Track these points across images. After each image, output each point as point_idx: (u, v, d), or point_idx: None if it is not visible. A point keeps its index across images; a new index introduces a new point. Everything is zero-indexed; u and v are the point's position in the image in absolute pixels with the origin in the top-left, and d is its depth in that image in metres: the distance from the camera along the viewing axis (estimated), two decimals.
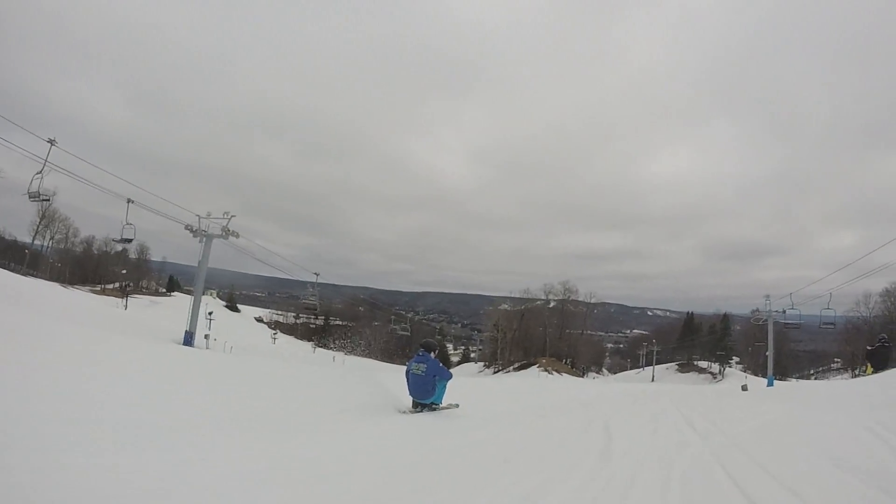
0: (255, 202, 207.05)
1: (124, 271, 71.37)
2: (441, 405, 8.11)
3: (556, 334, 77.77)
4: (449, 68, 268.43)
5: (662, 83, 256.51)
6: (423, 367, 7.92)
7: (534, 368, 62.15)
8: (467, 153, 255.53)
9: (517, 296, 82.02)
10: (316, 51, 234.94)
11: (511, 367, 64.33)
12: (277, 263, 33.45)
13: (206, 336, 28.01)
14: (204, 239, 27.02)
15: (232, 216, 26.98)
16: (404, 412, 7.89)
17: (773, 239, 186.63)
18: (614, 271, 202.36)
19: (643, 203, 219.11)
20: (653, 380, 67.63)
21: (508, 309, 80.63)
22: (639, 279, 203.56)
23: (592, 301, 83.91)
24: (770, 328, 30.95)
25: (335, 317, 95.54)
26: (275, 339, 67.91)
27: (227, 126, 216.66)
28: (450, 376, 8.33)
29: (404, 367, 8.76)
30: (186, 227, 25.90)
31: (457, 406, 8.36)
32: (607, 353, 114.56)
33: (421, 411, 7.91)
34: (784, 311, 29.98)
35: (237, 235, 26.99)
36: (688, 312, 79.90)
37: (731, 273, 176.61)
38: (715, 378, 65.81)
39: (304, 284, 34.44)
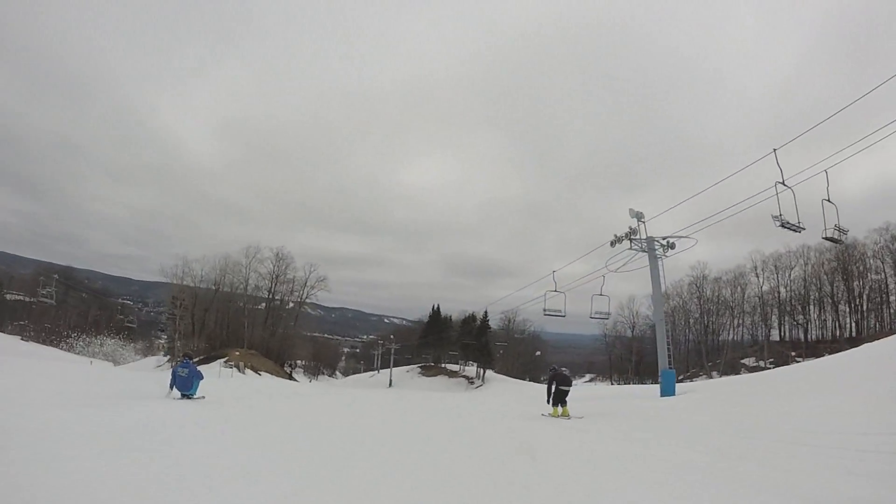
0: None
1: None
2: (194, 395, 12.52)
3: (266, 326, 58.21)
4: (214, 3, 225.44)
5: (436, 89, 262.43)
6: (186, 370, 12.44)
7: (218, 363, 40.70)
8: (216, 122, 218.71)
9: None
10: None
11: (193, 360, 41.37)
12: None
13: None
14: None
15: None
16: (175, 398, 12.03)
17: (510, 259, 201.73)
18: (353, 277, 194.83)
19: (389, 212, 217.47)
20: (390, 385, 53.65)
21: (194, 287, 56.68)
22: (378, 287, 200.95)
23: (329, 305, 67.41)
24: (661, 268, 18.30)
25: (15, 290, 77.25)
26: None
27: None
28: (202, 377, 12.99)
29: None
30: None
31: (203, 397, 12.73)
32: (343, 357, 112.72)
33: (184, 398, 12.16)
34: None
35: None
36: (434, 305, 66.20)
37: (468, 289, 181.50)
38: (472, 383, 54.24)
39: None
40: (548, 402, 12.81)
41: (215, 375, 35.22)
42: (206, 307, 55.83)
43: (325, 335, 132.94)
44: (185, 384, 12.19)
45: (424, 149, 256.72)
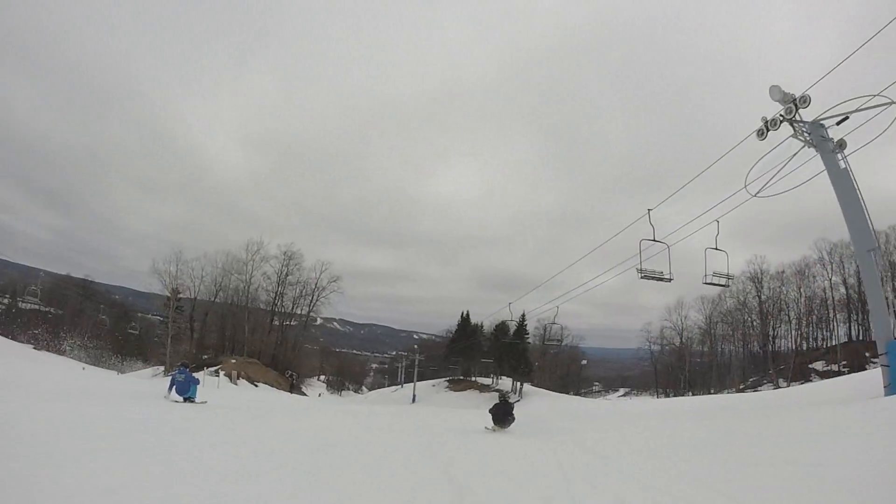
0: None
1: None
2: (195, 399, 14.61)
3: (274, 331, 52.05)
4: (241, 5, 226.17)
5: (466, 97, 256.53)
6: (183, 376, 14.75)
7: (206, 371, 34.88)
8: (242, 132, 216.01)
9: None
10: None
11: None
12: None
13: None
14: None
15: None
16: (175, 401, 14.11)
17: (539, 272, 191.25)
18: (382, 293, 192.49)
19: (418, 223, 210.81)
20: (414, 400, 46.82)
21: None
22: (407, 303, 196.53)
23: (358, 322, 62.58)
24: (850, 171, 11.07)
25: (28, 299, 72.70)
26: None
27: None
28: (199, 382, 15.41)
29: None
30: None
31: (205, 402, 14.73)
32: (371, 372, 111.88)
33: (184, 401, 14.20)
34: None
35: None
36: (463, 312, 59.15)
37: (497, 303, 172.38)
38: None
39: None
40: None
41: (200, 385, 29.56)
42: (206, 310, 50.32)
43: (354, 351, 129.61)
44: (183, 388, 14.62)
45: (453, 159, 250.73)
